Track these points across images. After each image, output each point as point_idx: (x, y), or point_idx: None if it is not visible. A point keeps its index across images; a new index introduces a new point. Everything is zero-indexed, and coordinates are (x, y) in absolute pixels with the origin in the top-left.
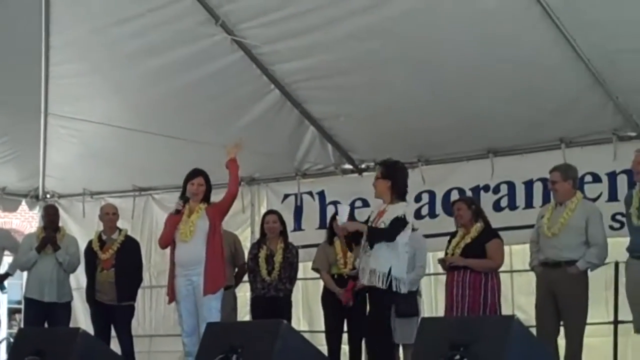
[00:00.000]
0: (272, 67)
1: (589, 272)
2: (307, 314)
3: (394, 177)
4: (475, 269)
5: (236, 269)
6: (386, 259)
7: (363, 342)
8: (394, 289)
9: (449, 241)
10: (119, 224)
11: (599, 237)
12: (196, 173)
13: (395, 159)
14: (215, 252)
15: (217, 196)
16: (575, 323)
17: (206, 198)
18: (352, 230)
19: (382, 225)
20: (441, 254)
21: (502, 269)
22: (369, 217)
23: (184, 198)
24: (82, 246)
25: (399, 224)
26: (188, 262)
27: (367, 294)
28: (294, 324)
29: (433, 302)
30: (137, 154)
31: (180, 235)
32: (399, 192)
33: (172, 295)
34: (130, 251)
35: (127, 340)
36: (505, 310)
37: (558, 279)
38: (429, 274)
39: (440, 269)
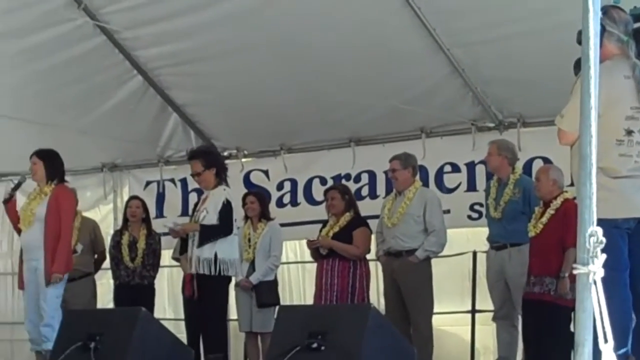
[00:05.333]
0: (135, 53)
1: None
2: (172, 301)
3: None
4: (339, 252)
5: (95, 256)
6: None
7: None
8: (223, 274)
9: (320, 230)
10: None
11: (437, 224)
12: (31, 154)
13: (258, 146)
14: (54, 239)
15: (77, 182)
16: (420, 311)
17: (52, 177)
18: (190, 230)
19: (205, 213)
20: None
21: (369, 256)
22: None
23: (17, 185)
24: None
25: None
26: (27, 247)
27: None
28: (159, 312)
29: (301, 291)
30: None
31: (21, 221)
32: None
33: (20, 282)
34: None
35: None
36: (374, 299)
37: (400, 268)
38: (296, 262)
39: (307, 257)
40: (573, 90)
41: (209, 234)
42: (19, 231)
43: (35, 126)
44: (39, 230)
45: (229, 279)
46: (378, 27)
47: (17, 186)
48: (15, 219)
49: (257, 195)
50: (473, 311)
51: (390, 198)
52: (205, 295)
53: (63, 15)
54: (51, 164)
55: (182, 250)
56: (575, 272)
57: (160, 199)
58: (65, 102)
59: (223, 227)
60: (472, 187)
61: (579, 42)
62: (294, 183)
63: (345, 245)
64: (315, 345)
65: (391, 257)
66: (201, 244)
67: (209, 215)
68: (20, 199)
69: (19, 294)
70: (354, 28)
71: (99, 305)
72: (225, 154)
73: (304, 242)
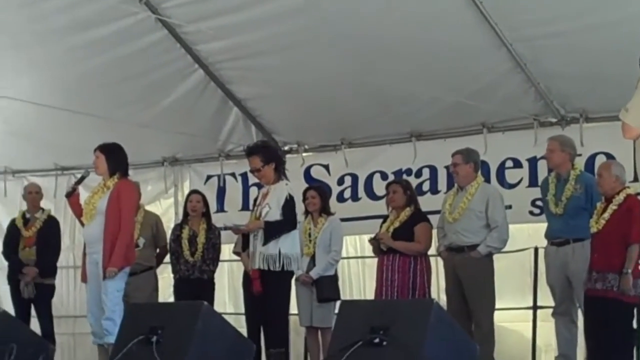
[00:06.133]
0: (196, 47)
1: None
2: (232, 296)
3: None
4: (401, 251)
5: (157, 250)
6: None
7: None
8: (286, 269)
9: (381, 225)
10: (42, 203)
11: (499, 219)
12: (95, 148)
13: (319, 141)
14: (114, 232)
15: (139, 176)
16: (481, 307)
17: (114, 171)
18: (255, 229)
19: (267, 209)
20: (366, 238)
21: (429, 252)
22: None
23: (80, 179)
24: (5, 225)
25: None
26: (89, 241)
27: None
28: (219, 306)
29: (361, 286)
30: (59, 133)
31: (84, 215)
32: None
33: (83, 275)
34: (50, 230)
35: (46, 320)
36: (434, 294)
37: (462, 264)
38: (357, 257)
39: (367, 252)
40: (638, 84)
41: (274, 231)
42: (83, 224)
43: (97, 120)
44: (100, 224)
45: (291, 273)
46: (440, 22)
47: (80, 180)
48: (78, 212)
49: (318, 190)
50: (535, 307)
51: (452, 193)
52: (268, 290)
53: (125, 10)
54: (114, 157)
55: (244, 247)
56: None
57: (221, 193)
58: (127, 97)
59: (287, 222)
60: (533, 182)
61: None
62: (354, 178)
63: (406, 243)
64: (377, 340)
65: (452, 252)
66: (267, 241)
67: (272, 211)
68: (83, 194)
69: (81, 287)
70: (417, 22)
71: (160, 299)
72: (286, 148)
73: (365, 237)
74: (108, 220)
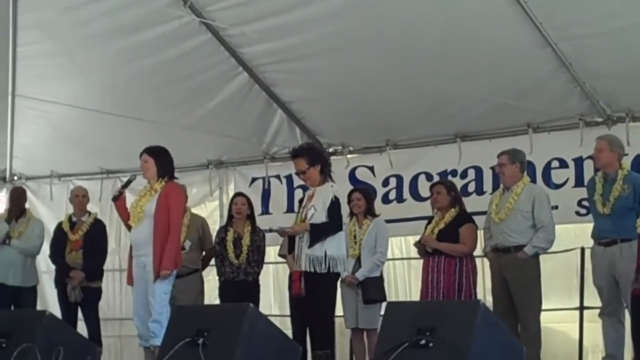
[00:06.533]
0: (240, 50)
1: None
2: (278, 298)
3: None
4: (447, 253)
5: (203, 253)
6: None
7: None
8: (332, 270)
9: (426, 227)
10: (88, 206)
11: (546, 220)
12: (142, 151)
13: (364, 143)
14: (163, 235)
15: (184, 179)
16: (528, 308)
17: (162, 174)
18: (300, 231)
19: (313, 211)
20: (411, 239)
21: (475, 252)
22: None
23: (126, 183)
24: (51, 229)
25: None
26: (137, 244)
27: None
28: (265, 309)
29: (407, 287)
30: (104, 136)
31: (131, 218)
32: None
33: (129, 278)
34: (97, 233)
35: (93, 323)
36: (480, 295)
37: (508, 265)
38: (402, 259)
39: (412, 254)
40: None
41: (319, 233)
42: (129, 228)
43: (143, 124)
44: (149, 227)
45: (337, 275)
46: (484, 22)
47: (127, 184)
48: (124, 216)
49: (363, 192)
50: (581, 308)
51: (498, 193)
52: (314, 292)
53: (170, 13)
54: (162, 161)
55: (290, 249)
56: None
57: (266, 195)
58: (172, 100)
59: (333, 224)
60: (580, 182)
61: None
62: (399, 179)
63: (451, 245)
64: (423, 341)
65: (499, 253)
66: (312, 243)
67: (318, 213)
68: (129, 197)
69: (127, 290)
70: (460, 23)
71: (206, 302)
72: (331, 150)
73: (410, 238)
74: (157, 223)
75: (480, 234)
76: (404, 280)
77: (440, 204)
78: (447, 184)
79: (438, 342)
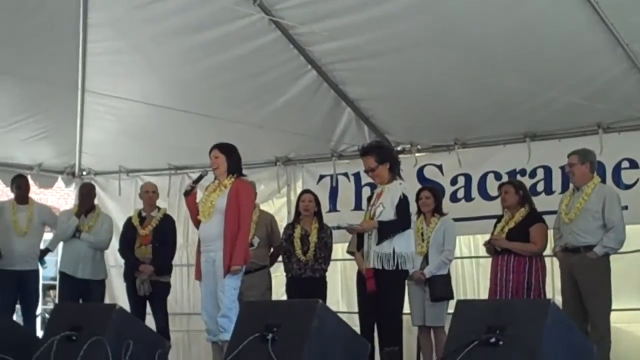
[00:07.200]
0: (309, 48)
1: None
2: (345, 295)
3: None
4: (517, 252)
5: (272, 249)
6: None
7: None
8: (400, 268)
9: (495, 225)
10: (156, 201)
11: (616, 220)
12: (212, 148)
13: (432, 141)
14: (233, 231)
15: (252, 176)
16: (597, 308)
17: (232, 170)
18: (369, 229)
19: (381, 208)
20: (480, 238)
21: (545, 253)
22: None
23: (198, 178)
24: (120, 223)
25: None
26: (206, 239)
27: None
28: (332, 305)
29: (475, 285)
30: (173, 132)
31: (200, 214)
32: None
33: (197, 273)
34: (166, 228)
35: (162, 317)
36: (549, 295)
37: (578, 264)
38: (470, 257)
39: (481, 252)
40: None
41: (388, 230)
42: (197, 224)
43: (211, 120)
44: (219, 222)
45: (406, 272)
46: (554, 21)
47: (198, 179)
48: (194, 211)
49: (432, 191)
50: None
51: (568, 193)
52: (382, 289)
53: (239, 11)
54: (232, 157)
55: (359, 246)
56: None
57: (334, 193)
58: (240, 97)
59: (401, 221)
60: None
61: None
62: (468, 178)
63: (522, 244)
64: (493, 339)
65: (568, 253)
66: (380, 240)
67: (386, 211)
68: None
69: (195, 285)
70: (530, 22)
71: (273, 298)
72: (399, 148)
73: (479, 237)
74: (228, 219)
75: (550, 233)
76: (472, 279)
77: (508, 203)
78: (515, 183)
79: (508, 340)
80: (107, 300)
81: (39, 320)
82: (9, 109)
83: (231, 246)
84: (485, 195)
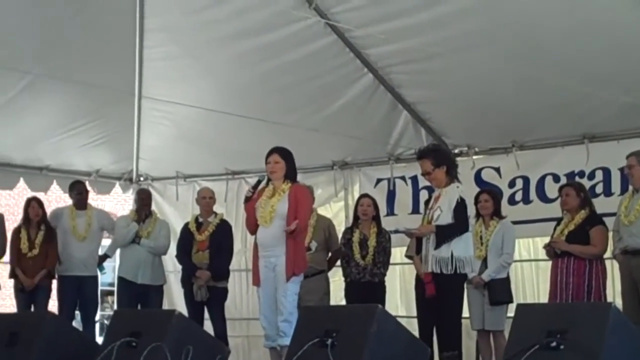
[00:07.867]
0: (365, 51)
1: None
2: (404, 299)
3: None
4: (577, 254)
5: (329, 254)
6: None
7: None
8: (459, 271)
9: (554, 228)
10: (213, 207)
11: None
12: (270, 151)
13: (489, 143)
14: (295, 236)
15: (309, 180)
16: None
17: (289, 175)
18: (426, 233)
19: (439, 212)
20: (539, 240)
21: (605, 255)
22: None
23: (256, 184)
24: (177, 229)
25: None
26: (266, 244)
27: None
28: (391, 310)
29: (534, 289)
30: (229, 137)
31: (259, 218)
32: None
33: (255, 278)
34: (223, 234)
35: (220, 322)
36: (611, 297)
37: (638, 267)
38: (530, 260)
39: (540, 255)
40: None
41: (445, 234)
42: (252, 229)
43: (268, 125)
44: (279, 227)
45: (464, 276)
46: (613, 22)
47: (257, 185)
48: (252, 218)
49: (490, 194)
50: None
51: (627, 195)
52: (441, 293)
53: (295, 15)
54: (290, 162)
55: (417, 250)
56: None
57: (391, 196)
58: (296, 101)
59: (459, 225)
60: None
61: None
62: (526, 180)
63: (582, 247)
64: (554, 344)
65: (628, 255)
66: (439, 244)
67: (444, 214)
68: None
69: (254, 290)
70: (588, 23)
71: (332, 303)
72: (456, 151)
73: (538, 240)
74: (289, 224)
75: (611, 235)
76: (532, 282)
77: (569, 205)
78: (576, 185)
79: (569, 345)
80: (165, 306)
81: (97, 327)
82: (67, 115)
83: (293, 251)
84: (543, 197)
